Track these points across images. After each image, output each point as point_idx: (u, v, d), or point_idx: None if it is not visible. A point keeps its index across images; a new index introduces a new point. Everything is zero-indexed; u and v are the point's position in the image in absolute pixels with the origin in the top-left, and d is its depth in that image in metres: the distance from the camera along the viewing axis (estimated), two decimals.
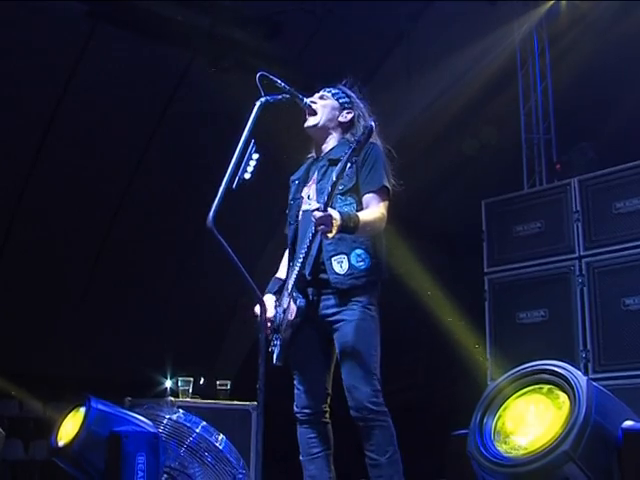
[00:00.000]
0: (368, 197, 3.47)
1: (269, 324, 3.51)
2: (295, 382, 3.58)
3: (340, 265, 3.42)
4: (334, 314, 3.44)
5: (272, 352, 3.51)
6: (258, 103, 3.35)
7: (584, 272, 5.81)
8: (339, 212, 3.24)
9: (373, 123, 3.35)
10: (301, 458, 3.56)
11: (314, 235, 3.36)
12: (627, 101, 6.91)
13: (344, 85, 3.77)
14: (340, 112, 3.67)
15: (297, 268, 3.42)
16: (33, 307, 8.45)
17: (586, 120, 7.13)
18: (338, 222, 3.17)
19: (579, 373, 2.46)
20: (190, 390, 5.48)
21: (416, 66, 8.18)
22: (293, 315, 3.44)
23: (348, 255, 3.43)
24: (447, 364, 7.41)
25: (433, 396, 7.79)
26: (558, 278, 5.97)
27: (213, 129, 8.00)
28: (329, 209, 3.19)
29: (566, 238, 5.98)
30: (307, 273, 3.47)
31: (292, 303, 3.44)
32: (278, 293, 3.62)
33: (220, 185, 3.12)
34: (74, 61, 7.65)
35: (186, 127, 8.37)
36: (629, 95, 6.88)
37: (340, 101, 3.68)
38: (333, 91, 3.71)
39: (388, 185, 3.50)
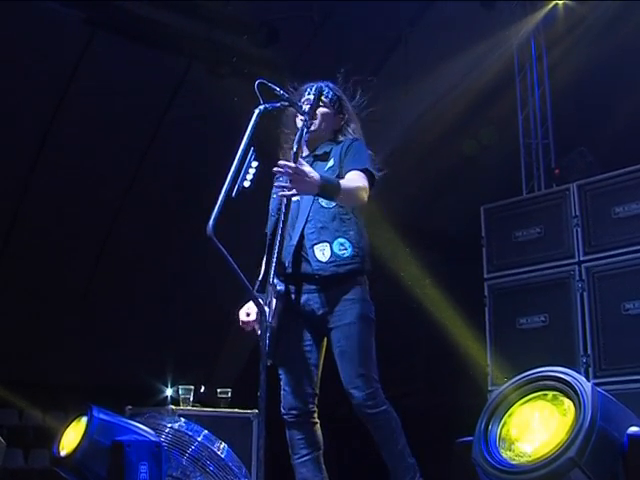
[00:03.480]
0: (350, 173, 3.42)
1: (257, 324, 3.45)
2: (282, 382, 3.52)
3: (322, 252, 3.40)
4: (326, 313, 3.41)
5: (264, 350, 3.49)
6: (257, 111, 3.33)
7: (584, 277, 5.80)
8: (319, 173, 3.19)
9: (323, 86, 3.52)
10: (292, 461, 3.52)
11: (287, 206, 3.35)
12: (625, 105, 6.92)
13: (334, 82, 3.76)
14: (334, 119, 3.68)
15: (275, 256, 3.38)
16: (33, 315, 8.44)
17: (584, 124, 7.14)
18: (316, 180, 3.12)
19: (584, 379, 2.46)
20: (191, 398, 5.46)
21: (414, 71, 8.19)
22: (274, 303, 3.37)
23: (331, 244, 3.41)
24: (447, 370, 7.39)
25: (433, 402, 7.77)
26: (558, 283, 5.96)
27: (211, 135, 8.00)
28: (304, 164, 3.15)
29: (565, 243, 5.98)
30: (287, 262, 3.45)
31: (273, 292, 3.39)
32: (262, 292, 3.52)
33: (219, 192, 3.11)
34: (73, 67, 7.67)
35: (184, 133, 8.37)
36: (627, 99, 6.89)
37: (335, 107, 3.68)
38: (329, 95, 3.67)
39: (373, 171, 3.46)
